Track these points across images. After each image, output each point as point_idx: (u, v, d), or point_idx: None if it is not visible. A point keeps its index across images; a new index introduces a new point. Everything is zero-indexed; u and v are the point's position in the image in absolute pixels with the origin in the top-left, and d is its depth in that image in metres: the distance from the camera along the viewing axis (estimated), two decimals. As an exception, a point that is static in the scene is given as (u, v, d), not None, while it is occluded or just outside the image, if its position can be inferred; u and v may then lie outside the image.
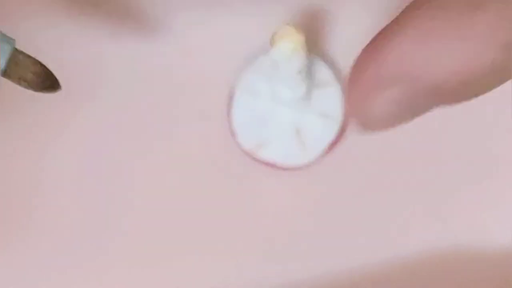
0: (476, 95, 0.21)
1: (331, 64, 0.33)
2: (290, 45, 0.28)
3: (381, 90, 0.20)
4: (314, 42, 0.33)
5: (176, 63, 0.33)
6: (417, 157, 0.32)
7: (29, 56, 0.24)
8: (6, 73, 0.24)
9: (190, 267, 0.32)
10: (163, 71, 0.33)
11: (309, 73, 0.31)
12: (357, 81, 0.21)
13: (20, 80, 0.24)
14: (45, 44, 0.32)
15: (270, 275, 0.32)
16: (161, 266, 0.32)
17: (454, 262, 0.32)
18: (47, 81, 0.24)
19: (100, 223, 0.32)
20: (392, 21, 0.22)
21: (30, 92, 0.25)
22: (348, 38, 0.33)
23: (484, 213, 0.32)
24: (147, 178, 0.33)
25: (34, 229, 0.32)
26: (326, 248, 0.32)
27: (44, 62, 0.25)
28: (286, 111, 0.32)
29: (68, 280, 0.32)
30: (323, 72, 0.32)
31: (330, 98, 0.32)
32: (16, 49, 0.24)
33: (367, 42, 0.21)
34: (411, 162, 0.32)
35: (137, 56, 0.33)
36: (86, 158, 0.33)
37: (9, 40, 0.24)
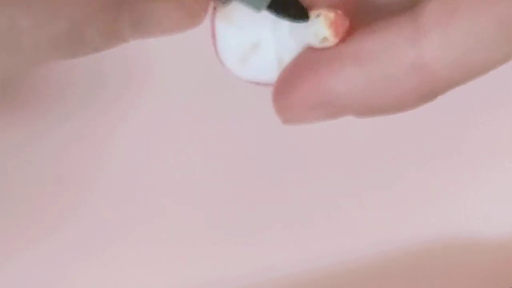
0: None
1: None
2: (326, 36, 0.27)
3: (311, 110, 0.23)
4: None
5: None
6: (415, 147, 0.32)
7: None
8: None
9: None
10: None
11: None
12: (288, 92, 0.23)
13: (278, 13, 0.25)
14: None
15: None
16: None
17: (451, 252, 0.33)
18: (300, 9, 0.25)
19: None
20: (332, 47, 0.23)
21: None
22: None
23: (482, 203, 0.33)
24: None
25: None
26: (325, 237, 0.33)
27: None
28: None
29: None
30: None
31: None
32: None
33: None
34: (409, 151, 0.32)
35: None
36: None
37: None
